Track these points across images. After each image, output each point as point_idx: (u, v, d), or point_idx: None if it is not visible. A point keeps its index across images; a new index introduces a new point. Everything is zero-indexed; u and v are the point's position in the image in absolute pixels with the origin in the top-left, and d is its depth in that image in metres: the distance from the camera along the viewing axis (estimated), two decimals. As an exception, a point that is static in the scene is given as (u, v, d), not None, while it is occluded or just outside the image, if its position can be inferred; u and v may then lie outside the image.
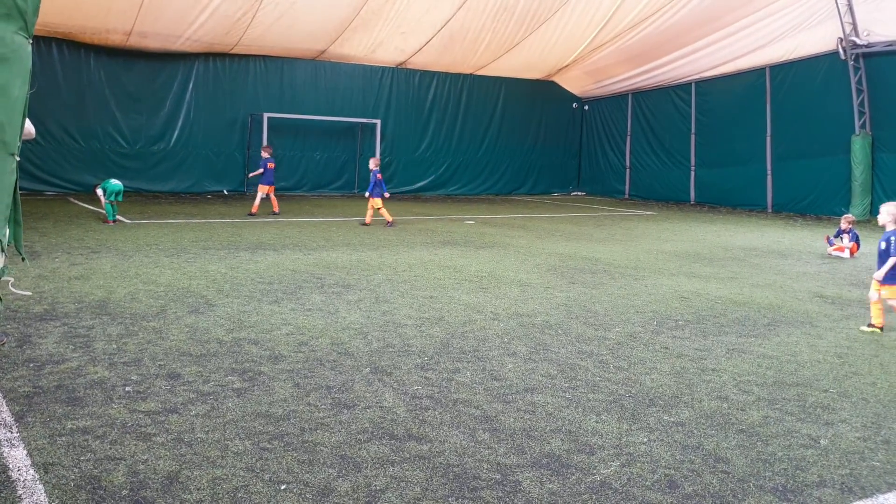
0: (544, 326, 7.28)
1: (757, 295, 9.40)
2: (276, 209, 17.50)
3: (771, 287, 10.07)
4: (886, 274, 7.37)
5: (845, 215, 14.38)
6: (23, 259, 2.46)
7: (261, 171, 17.47)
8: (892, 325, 7.89)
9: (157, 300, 7.80)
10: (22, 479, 3.66)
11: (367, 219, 15.88)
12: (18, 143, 2.04)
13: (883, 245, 7.43)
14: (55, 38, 20.83)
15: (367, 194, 15.89)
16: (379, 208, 15.68)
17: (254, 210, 17.30)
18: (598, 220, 19.18)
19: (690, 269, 11.26)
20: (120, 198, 14.88)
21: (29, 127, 2.57)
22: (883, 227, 7.59)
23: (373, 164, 15.99)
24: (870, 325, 7.61)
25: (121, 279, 8.86)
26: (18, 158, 2.12)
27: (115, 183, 14.96)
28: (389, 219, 15.83)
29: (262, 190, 17.39)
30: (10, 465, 3.81)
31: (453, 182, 27.78)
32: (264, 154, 17.60)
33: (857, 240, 13.76)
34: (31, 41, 1.84)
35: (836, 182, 21.69)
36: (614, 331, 7.22)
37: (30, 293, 7.86)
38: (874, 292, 7.54)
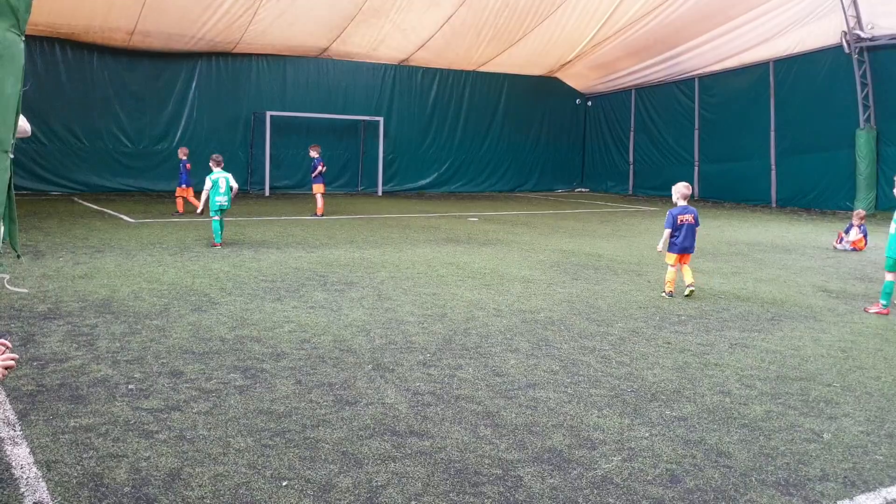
0: (547, 322, 7.28)
1: (760, 290, 9.38)
2: (181, 210, 16.74)
3: (775, 282, 10.04)
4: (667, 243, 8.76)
5: (856, 211, 14.39)
6: (18, 256, 2.46)
7: (321, 168, 16.99)
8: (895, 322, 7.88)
9: (161, 298, 7.82)
10: (25, 477, 3.67)
11: (180, 208, 16.75)
12: (12, 141, 2.05)
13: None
14: (59, 38, 20.87)
15: (182, 185, 16.74)
16: (185, 197, 16.65)
17: (319, 211, 17.14)
18: (602, 217, 19.15)
19: (694, 265, 11.21)
20: (221, 212, 11.93)
21: (24, 124, 2.57)
22: (675, 204, 8.93)
23: (181, 153, 16.87)
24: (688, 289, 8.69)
25: (124, 278, 8.88)
26: (12, 156, 2.13)
27: (221, 194, 11.79)
28: (181, 210, 16.71)
29: (319, 189, 17.11)
30: (14, 463, 3.82)
31: (456, 179, 27.75)
32: (313, 153, 17.19)
33: (865, 235, 13.75)
34: (23, 38, 1.85)
35: (841, 176, 21.61)
36: (617, 326, 7.21)
37: (26, 291, 7.88)
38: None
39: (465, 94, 27.57)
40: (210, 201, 11.77)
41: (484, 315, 7.51)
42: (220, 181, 11.86)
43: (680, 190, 8.94)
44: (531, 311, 7.73)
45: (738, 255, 12.48)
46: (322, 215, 17.05)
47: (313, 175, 17.15)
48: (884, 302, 8.16)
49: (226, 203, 11.90)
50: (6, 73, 1.88)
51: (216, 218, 11.76)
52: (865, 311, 8.23)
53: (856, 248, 13.50)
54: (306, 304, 7.78)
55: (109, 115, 21.99)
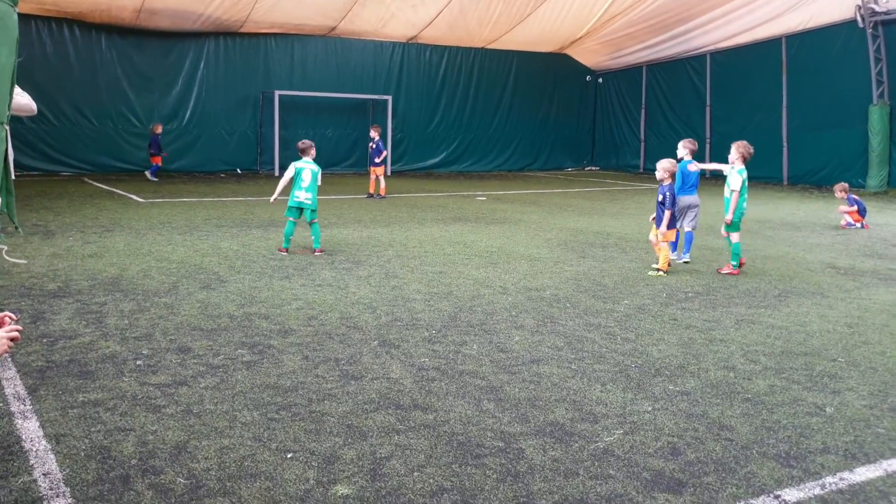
0: (553, 300, 7.29)
1: (769, 266, 9.35)
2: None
3: (783, 259, 10.01)
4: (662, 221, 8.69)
5: (838, 184, 14.09)
6: (16, 228, 2.50)
7: (384, 154, 17.05)
8: (904, 295, 7.83)
9: (170, 277, 7.88)
10: (34, 450, 3.75)
11: None
12: (8, 113, 2.07)
13: (660, 197, 8.68)
14: (66, 18, 20.88)
15: None
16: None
17: (382, 192, 16.75)
18: (612, 195, 19.07)
19: (702, 242, 11.19)
20: (309, 215, 9.35)
21: (30, 102, 2.60)
22: (660, 182, 8.77)
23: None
24: (657, 268, 8.65)
25: (134, 257, 8.95)
26: (8, 127, 2.15)
27: (301, 188, 9.27)
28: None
29: (379, 172, 16.74)
30: (24, 437, 3.90)
31: (465, 158, 27.67)
32: (374, 134, 17.13)
33: (860, 207, 13.42)
34: (16, 10, 1.86)
35: (854, 153, 21.39)
36: (623, 303, 7.21)
37: (24, 261, 7.96)
38: (653, 236, 8.89)
39: (473, 72, 27.40)
40: (290, 196, 9.41)
41: (490, 293, 7.53)
42: (305, 173, 9.29)
43: (667, 167, 8.87)
44: (537, 289, 7.75)
45: (747, 233, 12.41)
46: (384, 196, 16.75)
47: (378, 159, 16.74)
48: None
49: (307, 202, 9.27)
50: (0, 43, 1.90)
51: (290, 218, 9.38)
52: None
53: (860, 224, 13.28)
54: (314, 282, 7.82)
55: (118, 95, 22.04)
